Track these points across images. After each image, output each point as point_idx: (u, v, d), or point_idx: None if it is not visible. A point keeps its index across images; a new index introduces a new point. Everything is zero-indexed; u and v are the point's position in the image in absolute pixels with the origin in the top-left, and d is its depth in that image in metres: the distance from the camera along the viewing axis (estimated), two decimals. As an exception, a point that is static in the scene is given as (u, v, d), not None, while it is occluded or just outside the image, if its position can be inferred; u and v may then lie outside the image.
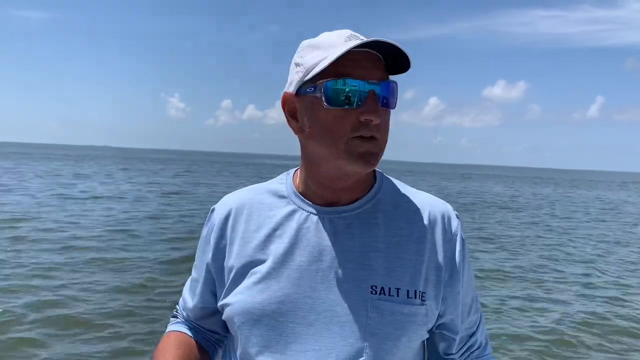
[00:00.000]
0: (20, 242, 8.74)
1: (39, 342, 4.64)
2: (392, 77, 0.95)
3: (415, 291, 0.94)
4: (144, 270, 7.34)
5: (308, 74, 0.91)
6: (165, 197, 17.98)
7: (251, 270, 0.98)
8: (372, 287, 0.93)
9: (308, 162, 1.00)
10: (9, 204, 13.58)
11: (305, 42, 0.97)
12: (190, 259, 1.14)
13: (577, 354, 5.17)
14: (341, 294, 0.93)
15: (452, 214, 1.04)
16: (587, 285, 7.91)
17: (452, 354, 1.06)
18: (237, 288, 0.98)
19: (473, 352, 1.08)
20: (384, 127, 0.93)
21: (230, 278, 1.00)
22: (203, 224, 1.10)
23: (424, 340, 1.03)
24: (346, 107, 0.88)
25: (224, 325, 1.08)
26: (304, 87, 0.93)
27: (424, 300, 0.95)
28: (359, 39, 0.91)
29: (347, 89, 0.88)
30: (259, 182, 1.12)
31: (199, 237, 1.10)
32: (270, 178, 1.11)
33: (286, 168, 1.13)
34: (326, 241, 0.96)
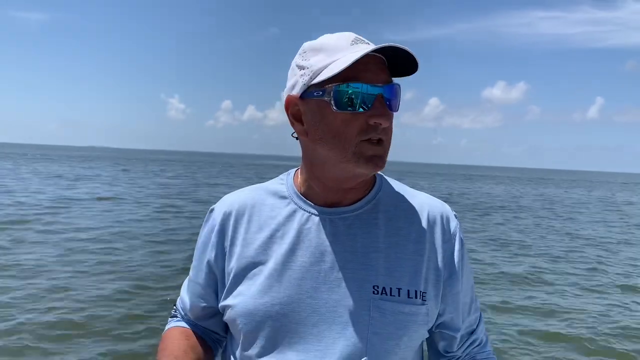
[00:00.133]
0: (21, 244, 8.69)
1: (40, 348, 4.60)
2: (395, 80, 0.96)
3: (416, 291, 0.95)
4: (145, 272, 7.32)
5: (315, 77, 0.91)
6: (166, 199, 17.94)
7: (253, 272, 0.98)
8: (374, 287, 0.94)
9: (311, 164, 1.00)
10: (10, 205, 13.53)
11: (307, 45, 0.97)
12: (192, 260, 1.14)
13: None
14: (343, 295, 0.93)
15: (451, 214, 1.05)
16: (597, 286, 7.87)
17: (452, 351, 1.07)
18: (239, 289, 0.98)
19: (473, 348, 1.09)
20: (390, 130, 0.94)
21: (232, 279, 1.00)
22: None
23: (423, 340, 1.03)
24: (355, 110, 0.89)
25: (224, 326, 1.09)
26: (309, 91, 0.93)
27: (425, 300, 0.96)
28: (364, 42, 0.92)
29: (355, 93, 0.88)
30: (259, 183, 1.12)
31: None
32: (271, 178, 1.11)
33: (286, 169, 1.13)
34: (327, 242, 0.97)
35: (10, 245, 8.48)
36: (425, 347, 1.09)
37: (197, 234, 1.10)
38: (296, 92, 0.95)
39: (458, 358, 1.08)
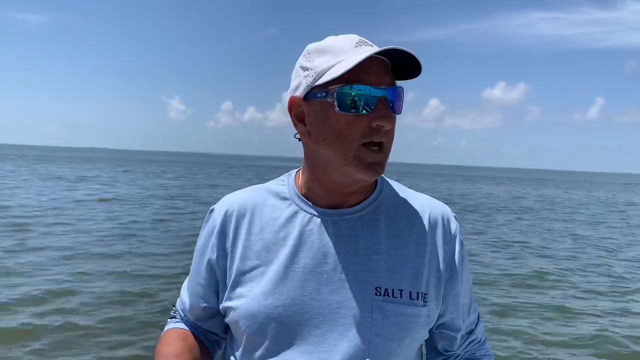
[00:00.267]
0: (23, 246, 8.66)
1: (42, 350, 4.58)
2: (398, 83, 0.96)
3: (418, 292, 0.96)
4: (148, 273, 7.31)
5: (319, 78, 0.91)
6: (167, 200, 17.95)
7: (255, 273, 0.98)
8: (376, 288, 0.94)
9: (313, 165, 1.00)
10: (12, 207, 13.51)
11: (311, 46, 0.97)
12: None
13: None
14: (346, 296, 0.94)
15: (451, 215, 1.05)
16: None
17: (452, 350, 1.08)
18: (242, 291, 0.98)
19: (472, 348, 1.10)
20: (392, 132, 0.94)
21: (234, 281, 0.99)
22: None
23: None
24: (358, 112, 0.89)
25: (224, 327, 1.08)
26: (313, 92, 0.93)
27: (426, 301, 0.97)
28: (368, 44, 0.92)
29: (359, 95, 0.89)
30: (259, 184, 1.11)
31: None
32: (271, 179, 1.10)
33: (287, 170, 1.13)
34: (330, 243, 0.97)
35: (12, 248, 8.45)
36: (424, 347, 1.09)
37: (198, 235, 1.09)
38: (299, 93, 0.95)
39: (457, 356, 1.09)
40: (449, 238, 1.02)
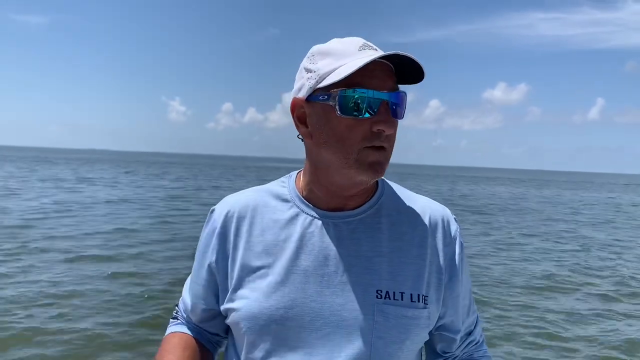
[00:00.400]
0: (27, 249, 8.61)
1: (46, 355, 4.55)
2: (402, 87, 0.96)
3: (419, 295, 0.96)
4: (151, 276, 7.28)
5: (321, 81, 0.91)
6: (170, 201, 17.92)
7: (257, 275, 0.98)
8: (377, 291, 0.94)
9: (314, 167, 1.00)
10: (14, 210, 13.48)
11: (315, 48, 0.97)
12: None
13: None
14: (347, 299, 0.94)
15: (451, 218, 1.06)
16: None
17: (450, 352, 1.09)
18: (243, 293, 0.98)
19: (470, 349, 1.11)
20: (393, 137, 0.94)
21: (235, 282, 0.99)
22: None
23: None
24: (359, 116, 0.89)
25: (225, 328, 1.09)
26: (315, 94, 0.93)
27: (427, 304, 0.97)
28: (372, 48, 0.92)
29: (360, 99, 0.88)
30: (259, 185, 1.11)
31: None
32: (272, 180, 1.10)
33: (287, 171, 1.13)
34: (331, 246, 0.97)
35: (15, 250, 8.38)
36: (423, 349, 1.09)
37: (200, 241, 1.09)
38: (302, 94, 0.95)
39: (455, 357, 1.10)
40: (449, 240, 1.03)
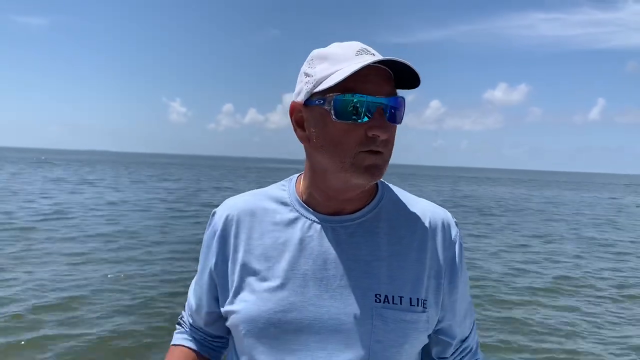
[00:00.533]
0: (29, 252, 8.59)
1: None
2: (402, 92, 0.96)
3: (418, 299, 0.96)
4: (156, 279, 7.28)
5: (318, 85, 0.92)
6: (172, 203, 17.95)
7: (256, 278, 0.98)
8: (376, 295, 0.95)
9: (312, 171, 1.01)
10: (16, 212, 13.49)
11: (315, 52, 0.98)
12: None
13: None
14: (346, 303, 0.94)
15: (452, 221, 1.06)
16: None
17: (444, 357, 1.08)
18: (243, 296, 0.99)
19: (464, 356, 1.10)
20: (390, 142, 0.94)
21: (235, 285, 1.00)
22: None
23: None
24: (354, 121, 0.89)
25: (228, 329, 1.08)
26: (312, 98, 0.94)
27: (426, 308, 0.97)
28: (370, 53, 0.92)
29: (355, 104, 0.89)
30: (261, 186, 1.13)
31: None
32: (273, 182, 1.11)
33: (288, 172, 1.14)
34: (330, 250, 0.97)
35: (18, 254, 8.35)
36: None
37: (203, 243, 1.11)
38: (300, 98, 0.96)
39: None
40: (448, 244, 1.02)
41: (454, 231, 1.04)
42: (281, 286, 0.96)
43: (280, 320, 0.94)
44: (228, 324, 1.02)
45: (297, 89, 0.99)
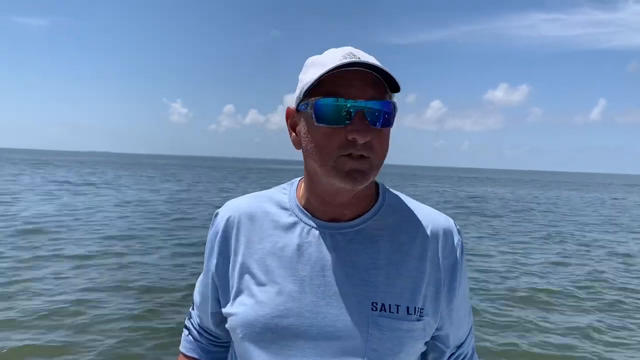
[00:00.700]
0: (35, 253, 8.56)
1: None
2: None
3: (415, 307, 0.96)
4: (161, 281, 7.26)
5: (303, 90, 0.94)
6: (174, 204, 17.90)
7: (254, 282, 0.99)
8: (372, 303, 0.95)
9: (308, 176, 1.02)
10: (18, 214, 13.48)
11: (310, 59, 0.99)
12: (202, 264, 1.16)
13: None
14: (342, 310, 0.94)
15: (454, 228, 1.05)
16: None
17: None
18: (241, 299, 1.00)
19: None
20: (377, 146, 0.92)
21: (234, 288, 1.02)
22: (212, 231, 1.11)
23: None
24: (334, 125, 0.90)
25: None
26: (301, 103, 0.95)
27: (422, 316, 0.97)
28: (355, 57, 0.91)
29: (335, 107, 0.89)
30: (262, 188, 1.14)
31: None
32: (274, 183, 1.13)
33: (289, 173, 1.14)
34: (328, 256, 0.98)
35: (24, 256, 8.31)
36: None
37: (206, 243, 1.12)
38: (294, 104, 0.98)
39: None
40: (449, 252, 1.02)
41: (456, 239, 1.04)
42: (279, 291, 0.97)
43: (277, 325, 0.95)
44: (227, 326, 1.03)
45: (295, 95, 1.00)
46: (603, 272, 9.15)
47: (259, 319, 0.96)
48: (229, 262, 1.04)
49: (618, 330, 5.93)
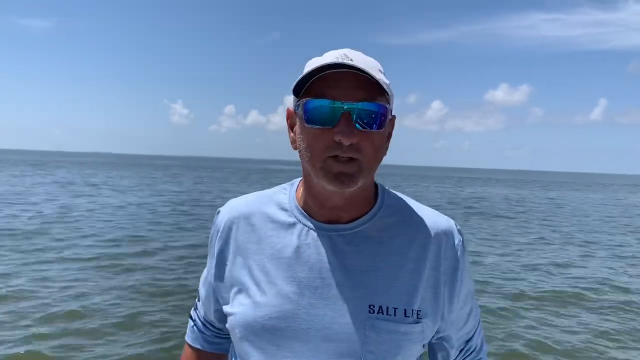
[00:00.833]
0: (40, 254, 8.55)
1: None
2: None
3: (412, 310, 0.96)
4: (166, 281, 7.26)
5: (292, 90, 0.95)
6: (177, 205, 17.92)
7: (253, 282, 1.00)
8: (369, 306, 0.95)
9: (304, 177, 1.03)
10: (20, 216, 13.49)
11: (309, 61, 0.98)
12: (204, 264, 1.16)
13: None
14: (339, 312, 0.94)
15: (454, 230, 1.04)
16: None
17: None
18: (239, 299, 1.00)
19: (468, 355, 1.11)
20: (367, 148, 0.91)
21: (233, 288, 1.02)
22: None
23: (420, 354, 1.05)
24: (322, 126, 0.90)
25: None
26: (295, 104, 0.96)
27: (420, 318, 0.97)
28: (348, 58, 0.91)
29: (322, 108, 0.89)
30: (263, 188, 1.14)
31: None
32: (275, 184, 1.13)
33: (290, 174, 1.14)
34: (326, 258, 0.97)
35: (29, 256, 8.30)
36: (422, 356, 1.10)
37: (208, 239, 1.13)
38: (292, 105, 0.99)
39: None
40: (449, 253, 1.01)
41: (456, 239, 1.03)
42: (277, 293, 0.97)
43: (275, 326, 0.95)
44: (227, 325, 1.03)
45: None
46: (606, 273, 9.14)
47: (257, 319, 0.96)
48: (229, 262, 1.04)
49: (623, 333, 5.88)
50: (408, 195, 1.11)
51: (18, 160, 70.97)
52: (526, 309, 6.65)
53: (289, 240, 1.00)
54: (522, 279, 8.30)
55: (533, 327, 5.92)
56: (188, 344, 1.21)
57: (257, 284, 0.99)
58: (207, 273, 1.12)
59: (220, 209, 1.11)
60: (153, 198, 20.17)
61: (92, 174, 39.32)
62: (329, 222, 1.00)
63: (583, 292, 7.66)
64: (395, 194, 1.08)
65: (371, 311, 0.94)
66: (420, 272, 0.98)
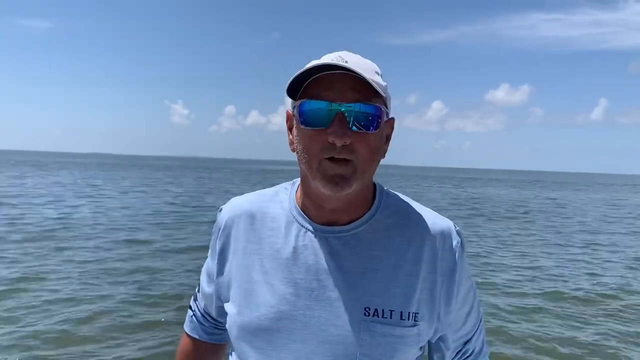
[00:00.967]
0: (43, 255, 8.54)
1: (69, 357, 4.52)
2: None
3: (409, 312, 0.96)
4: (169, 282, 7.26)
5: (285, 92, 0.95)
6: (179, 206, 17.90)
7: (251, 283, 1.00)
8: (365, 308, 0.94)
9: (301, 178, 1.03)
10: (22, 217, 13.46)
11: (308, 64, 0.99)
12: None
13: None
14: (335, 314, 0.94)
15: (453, 231, 1.03)
16: None
17: None
18: (237, 299, 1.01)
19: (466, 358, 1.10)
20: (362, 150, 0.91)
21: (231, 287, 1.03)
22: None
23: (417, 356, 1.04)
24: (317, 127, 0.90)
25: None
26: (292, 106, 0.97)
27: (417, 321, 0.96)
28: (343, 60, 0.91)
29: (316, 110, 0.90)
30: (263, 188, 1.15)
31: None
32: (276, 183, 1.13)
33: (290, 174, 1.13)
34: (323, 260, 0.97)
35: (23, 260, 8.29)
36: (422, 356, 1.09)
37: (210, 240, 1.14)
38: (291, 107, 0.99)
39: None
40: (447, 255, 1.00)
41: (454, 241, 1.02)
42: (273, 293, 0.97)
43: (271, 327, 0.95)
44: (226, 324, 1.04)
45: None
46: (610, 274, 9.10)
47: (253, 319, 0.97)
48: (227, 260, 1.05)
49: (630, 335, 5.85)
50: (409, 196, 1.10)
51: (18, 161, 71.01)
52: (531, 310, 6.62)
53: (287, 241, 1.00)
54: (527, 280, 8.27)
55: (537, 329, 5.89)
56: (186, 333, 1.21)
57: (255, 284, 0.99)
58: (209, 269, 1.12)
59: (222, 206, 1.11)
60: (153, 199, 20.15)
61: (94, 174, 39.29)
62: (327, 223, 1.00)
63: (588, 293, 7.61)
64: (395, 195, 1.07)
65: (366, 314, 0.94)
66: (417, 273, 0.97)
